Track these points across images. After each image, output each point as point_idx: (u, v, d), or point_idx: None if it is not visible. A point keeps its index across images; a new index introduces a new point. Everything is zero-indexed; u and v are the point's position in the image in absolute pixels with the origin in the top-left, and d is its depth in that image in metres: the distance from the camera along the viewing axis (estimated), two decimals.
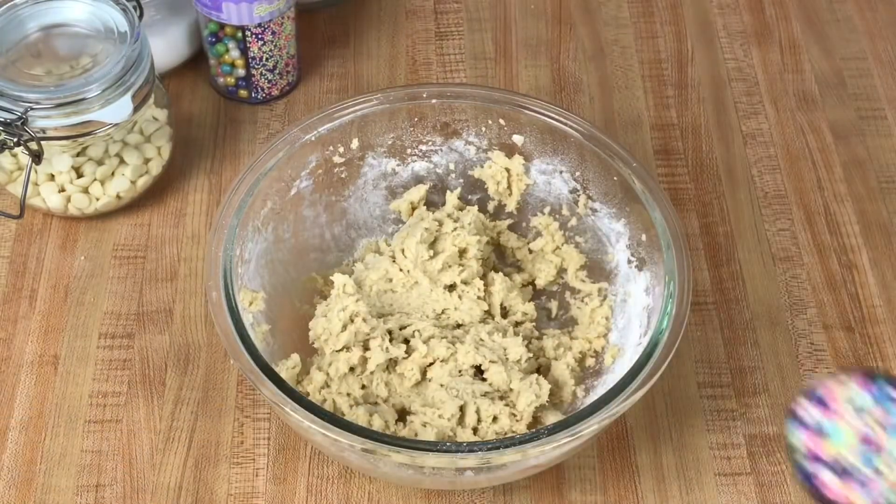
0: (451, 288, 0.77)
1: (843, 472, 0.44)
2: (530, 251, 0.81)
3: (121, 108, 0.79)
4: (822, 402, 0.45)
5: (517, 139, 0.79)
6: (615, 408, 0.64)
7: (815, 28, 0.99)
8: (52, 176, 0.82)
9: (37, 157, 0.78)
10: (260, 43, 0.88)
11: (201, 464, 0.74)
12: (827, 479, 0.44)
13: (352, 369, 0.73)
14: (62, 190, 0.82)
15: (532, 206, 0.81)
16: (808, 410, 0.45)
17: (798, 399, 0.46)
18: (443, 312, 0.77)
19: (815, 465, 0.44)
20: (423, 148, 0.80)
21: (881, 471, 0.43)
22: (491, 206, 0.82)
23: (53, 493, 0.72)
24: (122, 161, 0.83)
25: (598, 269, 0.78)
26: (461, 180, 0.81)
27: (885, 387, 0.45)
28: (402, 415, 0.73)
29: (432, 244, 0.78)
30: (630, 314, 0.74)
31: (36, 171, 0.81)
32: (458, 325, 0.76)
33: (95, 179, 0.82)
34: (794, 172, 0.89)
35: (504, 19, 1.00)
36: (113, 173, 0.83)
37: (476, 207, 0.81)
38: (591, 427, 0.63)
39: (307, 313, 0.76)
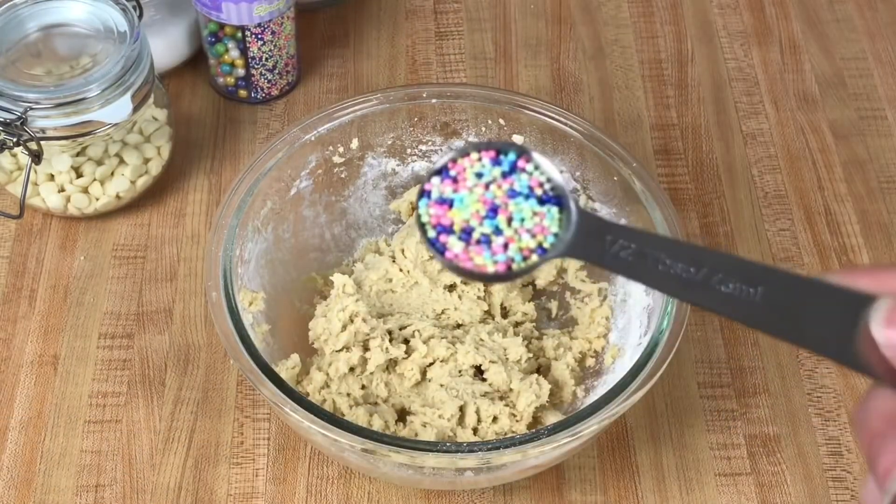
0: (451, 288, 0.77)
1: (469, 238, 0.45)
2: None
3: (120, 108, 0.79)
4: (453, 180, 0.46)
5: (517, 139, 0.79)
6: (615, 408, 0.64)
7: (815, 28, 0.99)
8: (52, 176, 0.82)
9: (36, 156, 0.78)
10: (259, 43, 0.88)
11: (201, 464, 0.74)
12: (453, 245, 0.45)
13: (351, 369, 0.73)
14: (62, 190, 0.82)
15: None
16: (437, 186, 0.46)
17: (429, 178, 0.47)
18: (443, 312, 0.77)
19: (444, 235, 0.45)
20: (423, 148, 0.80)
21: (504, 232, 0.45)
22: None
23: (53, 493, 0.72)
24: (121, 161, 0.83)
25: (598, 270, 0.78)
26: None
27: (515, 159, 0.46)
28: (402, 415, 0.73)
29: None
30: (630, 314, 0.74)
31: (35, 171, 0.81)
32: (458, 326, 0.76)
33: (95, 179, 0.82)
34: (795, 172, 0.89)
35: (504, 19, 0.99)
36: (112, 173, 0.83)
37: None
38: (591, 427, 0.63)
39: (307, 313, 0.76)
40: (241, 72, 0.90)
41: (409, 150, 0.80)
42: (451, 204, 0.46)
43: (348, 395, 0.72)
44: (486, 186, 0.46)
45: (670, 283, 0.43)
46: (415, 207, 0.49)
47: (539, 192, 0.46)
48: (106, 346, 0.79)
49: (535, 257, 0.46)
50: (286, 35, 0.89)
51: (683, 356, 0.79)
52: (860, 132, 0.92)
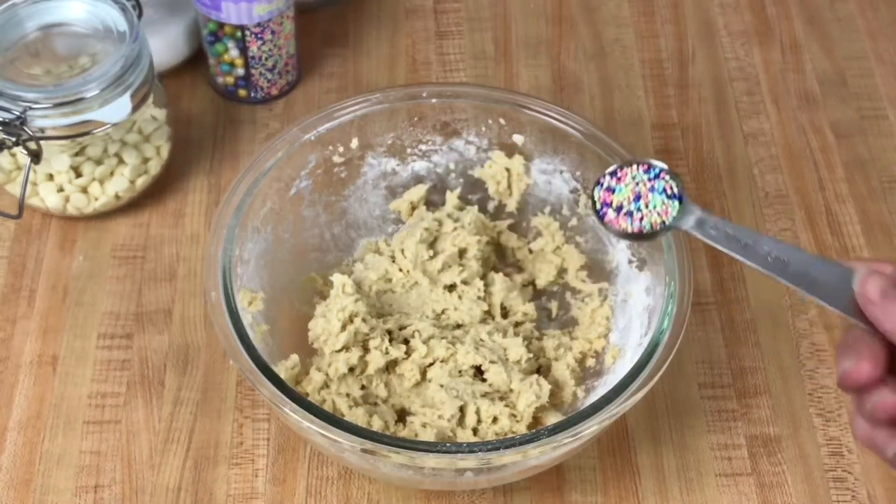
0: (451, 288, 0.77)
1: (621, 211, 0.66)
2: (530, 251, 0.80)
3: (119, 108, 0.79)
4: (617, 178, 0.67)
5: (517, 139, 0.79)
6: (615, 408, 0.64)
7: (816, 27, 0.99)
8: (51, 176, 0.82)
9: (35, 156, 0.78)
10: (259, 42, 0.88)
11: (200, 465, 0.73)
12: (610, 213, 0.66)
13: (351, 370, 0.72)
14: (61, 190, 0.82)
15: (532, 206, 0.81)
16: (606, 178, 0.67)
17: (603, 175, 0.67)
18: (443, 312, 0.76)
19: (605, 207, 0.66)
20: (423, 147, 0.80)
21: (642, 210, 0.65)
22: (491, 206, 0.81)
23: (52, 493, 0.72)
24: (120, 161, 0.83)
25: (598, 270, 0.78)
26: (461, 180, 0.81)
27: (659, 171, 0.66)
28: (402, 415, 0.73)
29: (432, 244, 0.78)
30: (631, 314, 0.73)
31: (35, 171, 0.81)
32: (458, 326, 0.76)
33: (94, 179, 0.82)
34: (796, 172, 0.89)
35: (504, 18, 0.99)
36: (112, 173, 0.83)
37: (476, 207, 0.80)
38: (591, 428, 0.63)
39: (307, 313, 0.76)
40: (240, 71, 0.90)
41: (409, 150, 0.80)
42: (613, 191, 0.66)
43: (348, 395, 0.72)
44: (637, 184, 0.66)
45: (737, 249, 0.62)
46: (590, 197, 0.69)
47: (668, 192, 0.65)
48: (105, 347, 0.79)
49: (658, 227, 0.65)
50: (286, 34, 0.89)
51: (684, 356, 0.78)
52: (861, 132, 0.92)
